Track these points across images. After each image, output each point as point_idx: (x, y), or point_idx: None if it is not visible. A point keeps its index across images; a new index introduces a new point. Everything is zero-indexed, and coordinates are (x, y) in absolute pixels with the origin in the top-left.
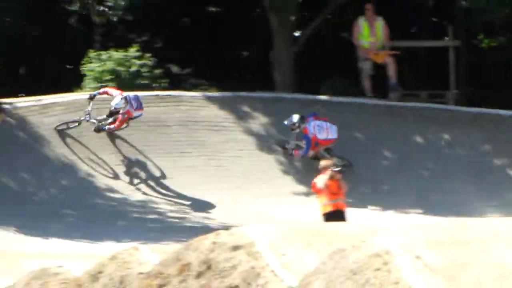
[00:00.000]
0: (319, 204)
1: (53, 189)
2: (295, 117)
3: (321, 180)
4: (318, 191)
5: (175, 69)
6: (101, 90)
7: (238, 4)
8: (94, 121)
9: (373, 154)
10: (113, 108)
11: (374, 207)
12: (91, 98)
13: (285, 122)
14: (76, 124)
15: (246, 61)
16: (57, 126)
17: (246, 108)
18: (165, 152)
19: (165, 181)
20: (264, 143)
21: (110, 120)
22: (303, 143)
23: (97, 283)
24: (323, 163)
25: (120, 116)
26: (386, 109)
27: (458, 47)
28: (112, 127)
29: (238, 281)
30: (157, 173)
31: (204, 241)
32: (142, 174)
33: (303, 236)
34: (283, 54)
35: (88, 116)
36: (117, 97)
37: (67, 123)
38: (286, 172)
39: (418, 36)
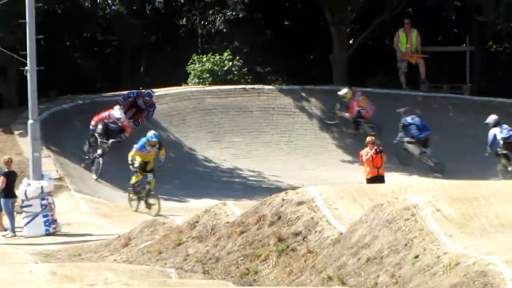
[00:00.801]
0: (364, 171)
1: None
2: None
3: (367, 154)
4: (364, 162)
5: (257, 68)
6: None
7: (307, 19)
8: None
9: None
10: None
11: (403, 172)
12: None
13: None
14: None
15: (311, 62)
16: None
17: (310, 98)
18: (248, 132)
19: (247, 154)
20: (323, 124)
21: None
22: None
23: (194, 230)
24: (368, 138)
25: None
26: (417, 99)
27: (473, 51)
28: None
29: (301, 228)
30: (242, 147)
31: (276, 198)
32: (230, 148)
33: (350, 194)
34: (340, 57)
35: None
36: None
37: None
38: (338, 146)
39: (443, 43)
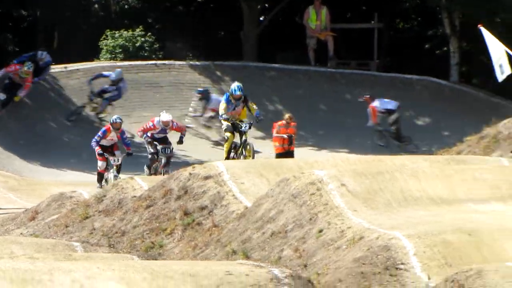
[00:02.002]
0: (274, 146)
1: (72, 135)
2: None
3: (277, 128)
4: (274, 137)
5: (169, 44)
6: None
7: None
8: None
9: (312, 107)
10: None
11: (312, 147)
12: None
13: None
14: (82, 109)
15: (222, 39)
16: (69, 119)
17: (220, 74)
18: (158, 107)
19: None
20: None
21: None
22: None
23: (101, 204)
24: (286, 116)
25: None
26: (325, 74)
27: (381, 28)
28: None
29: (207, 202)
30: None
31: (183, 172)
32: (140, 123)
33: (257, 169)
34: (250, 33)
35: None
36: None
37: (75, 112)
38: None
39: (352, 20)
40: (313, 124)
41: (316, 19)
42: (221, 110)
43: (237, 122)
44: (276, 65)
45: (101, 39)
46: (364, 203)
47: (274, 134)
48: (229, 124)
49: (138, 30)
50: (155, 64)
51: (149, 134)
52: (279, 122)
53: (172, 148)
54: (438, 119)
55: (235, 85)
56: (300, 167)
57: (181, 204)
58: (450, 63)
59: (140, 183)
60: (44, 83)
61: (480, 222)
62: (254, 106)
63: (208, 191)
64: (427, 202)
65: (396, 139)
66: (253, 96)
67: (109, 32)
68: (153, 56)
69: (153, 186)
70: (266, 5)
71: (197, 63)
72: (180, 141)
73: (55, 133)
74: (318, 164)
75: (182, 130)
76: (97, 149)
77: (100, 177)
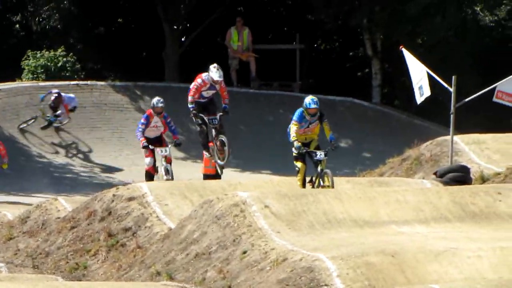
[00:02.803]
0: (202, 167)
1: None
2: None
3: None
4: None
5: (91, 65)
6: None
7: (140, 16)
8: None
9: (235, 128)
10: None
11: (235, 169)
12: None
13: None
14: (34, 120)
15: (144, 59)
16: (19, 126)
17: (142, 94)
18: (80, 127)
19: (80, 149)
20: None
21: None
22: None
23: (25, 225)
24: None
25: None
26: (248, 95)
27: (303, 49)
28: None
29: (131, 224)
30: (74, 142)
31: (107, 194)
32: (62, 143)
33: (181, 190)
34: (172, 54)
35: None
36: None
37: (26, 121)
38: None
39: (274, 41)
40: (236, 146)
41: (238, 40)
42: (292, 133)
43: (311, 150)
44: None
45: (23, 59)
46: (288, 225)
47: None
48: (302, 152)
49: (59, 50)
50: (77, 84)
51: (196, 96)
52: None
53: (220, 116)
54: (361, 141)
55: (309, 98)
56: (224, 188)
57: (105, 226)
58: (372, 84)
59: (63, 204)
60: None
61: (403, 244)
62: (328, 127)
63: (132, 212)
64: (350, 224)
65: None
66: (176, 117)
67: (30, 53)
68: (75, 76)
69: (77, 207)
70: (188, 25)
71: (119, 83)
72: (225, 111)
73: None
74: (241, 185)
75: (226, 95)
76: (142, 141)
77: (150, 177)
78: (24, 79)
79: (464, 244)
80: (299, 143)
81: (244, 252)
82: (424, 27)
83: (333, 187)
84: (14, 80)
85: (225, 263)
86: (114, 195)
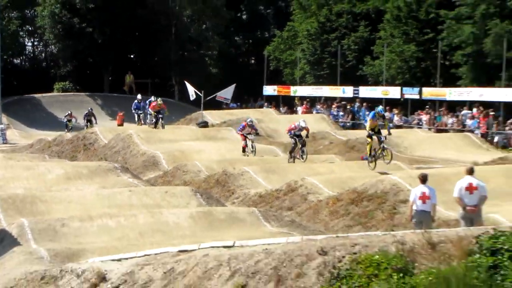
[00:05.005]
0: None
1: None
2: None
3: None
4: None
5: None
6: None
7: None
8: None
9: None
10: None
11: None
12: None
13: None
14: None
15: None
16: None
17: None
18: None
19: None
20: None
21: None
22: None
23: (55, 141)
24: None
25: None
26: None
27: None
28: None
29: None
30: None
31: None
32: None
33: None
34: None
35: None
36: None
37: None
38: None
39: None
40: None
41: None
42: (368, 126)
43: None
44: None
45: None
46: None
47: None
48: (372, 133)
49: None
50: None
51: (292, 132)
52: None
53: (304, 139)
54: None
55: (381, 107)
56: None
57: None
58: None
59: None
60: None
61: (188, 149)
62: (387, 124)
63: None
64: (172, 142)
65: None
66: None
67: None
68: None
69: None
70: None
71: None
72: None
73: None
74: None
75: (307, 130)
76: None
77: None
78: None
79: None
80: (371, 132)
81: None
82: None
83: (391, 157)
84: None
85: None
86: None
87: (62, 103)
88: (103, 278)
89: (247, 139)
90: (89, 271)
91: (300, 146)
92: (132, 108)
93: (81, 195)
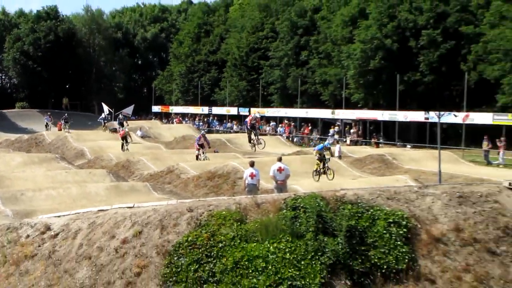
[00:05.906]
0: None
1: None
2: None
3: None
4: None
5: None
6: None
7: None
8: None
9: None
10: None
11: None
12: None
13: None
14: None
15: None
16: None
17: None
18: None
19: None
20: None
21: None
22: None
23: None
24: None
25: None
26: None
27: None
28: None
29: None
30: None
31: None
32: None
33: None
34: None
35: None
36: None
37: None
38: None
39: None
40: None
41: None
42: (315, 153)
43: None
44: None
45: None
46: None
47: None
48: (319, 157)
49: None
50: None
51: (249, 124)
52: None
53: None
54: None
55: (327, 142)
56: None
57: None
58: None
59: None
60: None
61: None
62: (328, 154)
63: None
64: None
65: None
66: None
67: None
68: None
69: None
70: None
71: None
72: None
73: None
74: None
75: (258, 122)
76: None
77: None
78: None
79: None
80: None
81: None
82: None
83: (333, 175)
84: None
85: None
86: None
87: (21, 116)
88: (48, 228)
89: (200, 149)
90: (39, 224)
91: (254, 135)
92: (99, 119)
93: (34, 175)
